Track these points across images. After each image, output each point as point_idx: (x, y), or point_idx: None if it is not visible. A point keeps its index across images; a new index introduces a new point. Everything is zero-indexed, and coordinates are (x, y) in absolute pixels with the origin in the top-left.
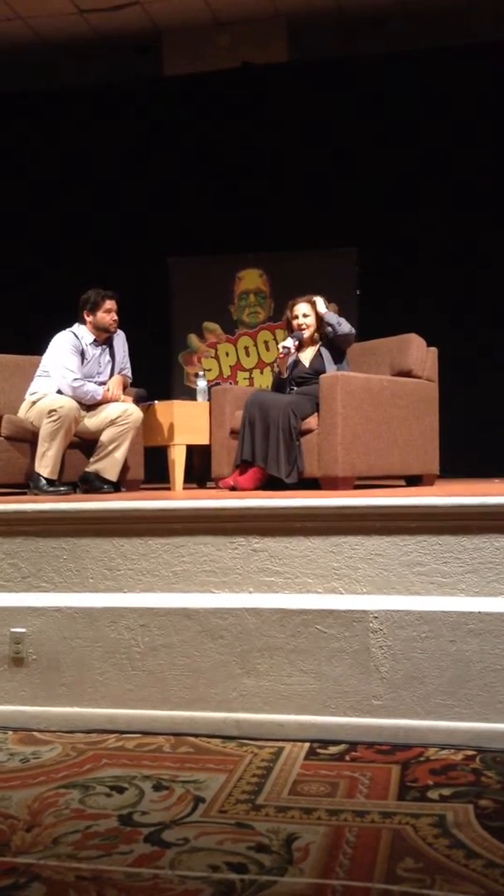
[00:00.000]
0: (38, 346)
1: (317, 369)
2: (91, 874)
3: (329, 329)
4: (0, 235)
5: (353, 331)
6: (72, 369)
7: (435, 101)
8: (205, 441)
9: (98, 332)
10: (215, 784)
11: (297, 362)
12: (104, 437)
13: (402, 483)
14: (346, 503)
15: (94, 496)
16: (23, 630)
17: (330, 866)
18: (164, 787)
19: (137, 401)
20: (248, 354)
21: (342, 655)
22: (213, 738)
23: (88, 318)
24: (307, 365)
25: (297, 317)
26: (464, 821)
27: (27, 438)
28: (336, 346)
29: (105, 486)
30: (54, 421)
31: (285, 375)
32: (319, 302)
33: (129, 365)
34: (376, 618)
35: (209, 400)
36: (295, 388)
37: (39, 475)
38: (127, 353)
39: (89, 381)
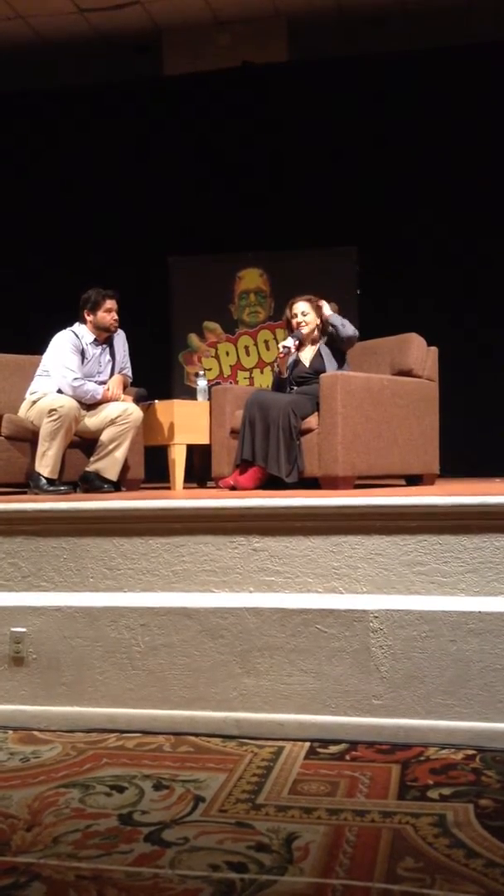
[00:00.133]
0: (38, 346)
1: (317, 369)
2: (91, 873)
3: (331, 329)
4: (0, 235)
5: (357, 333)
6: (72, 369)
7: (435, 101)
8: (205, 441)
9: (98, 332)
10: (215, 783)
11: (297, 362)
12: (104, 436)
13: (403, 483)
14: (347, 503)
15: (95, 496)
16: (23, 629)
17: (330, 866)
18: (164, 786)
19: (137, 400)
20: (248, 354)
21: (342, 655)
22: (214, 738)
23: (89, 318)
24: (307, 365)
25: (295, 315)
26: (464, 820)
27: (27, 438)
28: (337, 347)
29: (105, 486)
30: (54, 420)
31: (285, 375)
32: (326, 307)
33: (129, 364)
34: (376, 617)
35: (209, 399)
36: (295, 388)
37: (40, 474)
38: (127, 352)
39: (89, 381)
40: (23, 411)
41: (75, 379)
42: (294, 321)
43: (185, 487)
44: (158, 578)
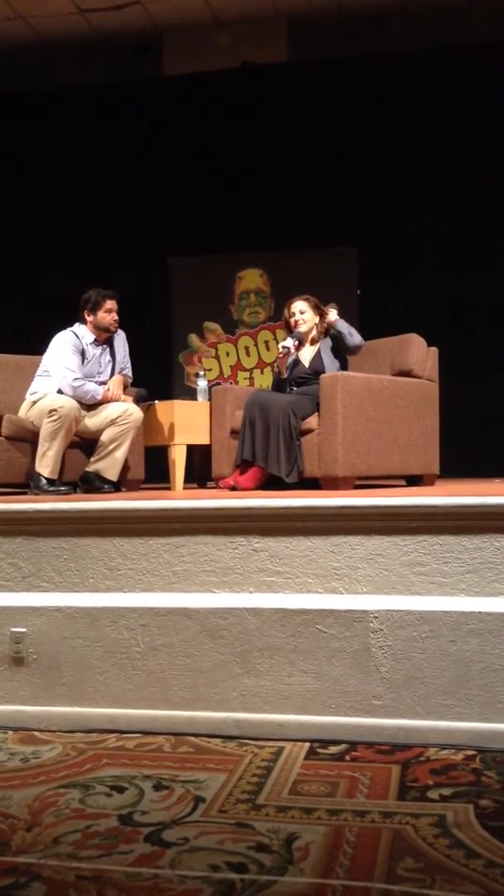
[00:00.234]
0: (38, 346)
1: (316, 369)
2: (91, 874)
3: (336, 334)
4: (0, 235)
5: (363, 343)
6: (72, 369)
7: (435, 101)
8: (205, 441)
9: (98, 332)
10: (215, 784)
11: (297, 362)
12: (105, 436)
13: (403, 483)
14: (347, 503)
15: (95, 496)
16: (23, 630)
17: (330, 866)
18: (164, 786)
19: (138, 400)
20: (248, 354)
21: (342, 655)
22: (214, 738)
23: (89, 318)
24: (307, 365)
25: (293, 315)
26: (464, 821)
27: (28, 438)
28: (340, 353)
29: (105, 486)
30: (55, 421)
31: (285, 375)
32: (332, 312)
33: (129, 365)
34: (377, 618)
35: (209, 400)
36: (294, 389)
37: (40, 475)
38: (127, 352)
39: (90, 381)
40: (23, 411)
41: (75, 379)
42: (292, 320)
43: (185, 488)
44: (158, 579)
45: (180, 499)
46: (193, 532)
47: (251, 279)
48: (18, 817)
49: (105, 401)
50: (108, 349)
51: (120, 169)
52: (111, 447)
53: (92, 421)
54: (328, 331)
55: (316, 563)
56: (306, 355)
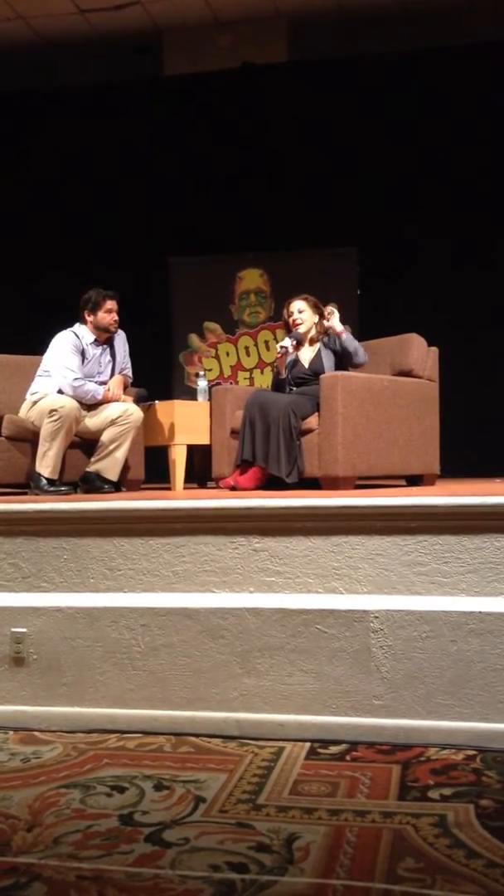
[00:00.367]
0: (38, 346)
1: (316, 370)
2: (92, 874)
3: (339, 348)
4: (0, 235)
5: (367, 361)
6: (72, 369)
7: (435, 101)
8: (205, 441)
9: (99, 332)
10: (216, 784)
11: (297, 362)
12: (105, 436)
13: (403, 483)
14: (347, 503)
15: (95, 496)
16: (23, 630)
17: (331, 866)
18: (164, 786)
19: (138, 401)
20: (248, 354)
21: (343, 655)
22: (214, 738)
23: (89, 318)
24: (306, 366)
25: (292, 314)
26: (464, 821)
27: (28, 438)
28: (342, 362)
29: (106, 486)
30: (55, 421)
31: (283, 375)
32: (338, 323)
33: (129, 365)
34: (377, 618)
35: (210, 400)
36: (294, 389)
37: (40, 475)
38: (128, 352)
39: (90, 381)
40: (23, 412)
41: (76, 379)
42: (291, 320)
43: (185, 488)
44: (159, 579)
45: (180, 499)
46: (194, 532)
47: (251, 279)
48: (19, 817)
49: (105, 401)
50: (108, 349)
51: (120, 169)
52: (111, 447)
53: (92, 421)
54: (327, 331)
55: (316, 563)
56: (306, 355)
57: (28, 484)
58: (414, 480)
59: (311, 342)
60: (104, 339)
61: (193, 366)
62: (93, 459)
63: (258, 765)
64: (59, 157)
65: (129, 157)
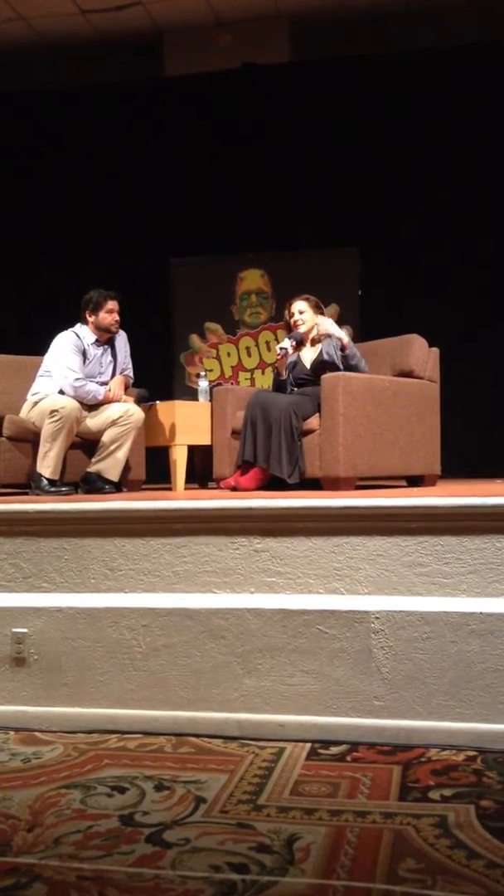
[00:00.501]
0: (39, 347)
1: (317, 371)
2: (92, 874)
3: (340, 347)
4: (1, 235)
5: (367, 369)
6: (74, 369)
7: (435, 101)
8: (206, 441)
9: (100, 333)
10: (217, 784)
11: (298, 363)
12: (106, 437)
13: (404, 483)
14: (348, 504)
15: (96, 496)
16: (24, 630)
17: (331, 867)
18: (165, 787)
19: (139, 401)
20: (249, 355)
21: (343, 656)
22: (215, 739)
23: (90, 319)
24: (308, 366)
25: (293, 315)
26: (465, 821)
27: (29, 439)
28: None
29: (106, 487)
30: (56, 421)
31: (284, 376)
32: (345, 335)
33: (130, 365)
34: (378, 618)
35: (210, 400)
36: (296, 389)
37: (41, 475)
38: (129, 353)
39: (91, 382)
40: (24, 412)
41: (77, 379)
42: (292, 321)
43: (186, 488)
44: (160, 579)
45: (181, 499)
46: (195, 532)
47: (252, 280)
48: (19, 818)
49: (106, 401)
50: (109, 350)
51: (121, 169)
52: (112, 448)
53: (93, 421)
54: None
55: (317, 564)
56: (307, 356)
57: (29, 484)
58: (415, 481)
59: (313, 343)
60: (105, 339)
61: (194, 366)
62: (94, 460)
63: (259, 765)
64: (60, 157)
65: (130, 157)
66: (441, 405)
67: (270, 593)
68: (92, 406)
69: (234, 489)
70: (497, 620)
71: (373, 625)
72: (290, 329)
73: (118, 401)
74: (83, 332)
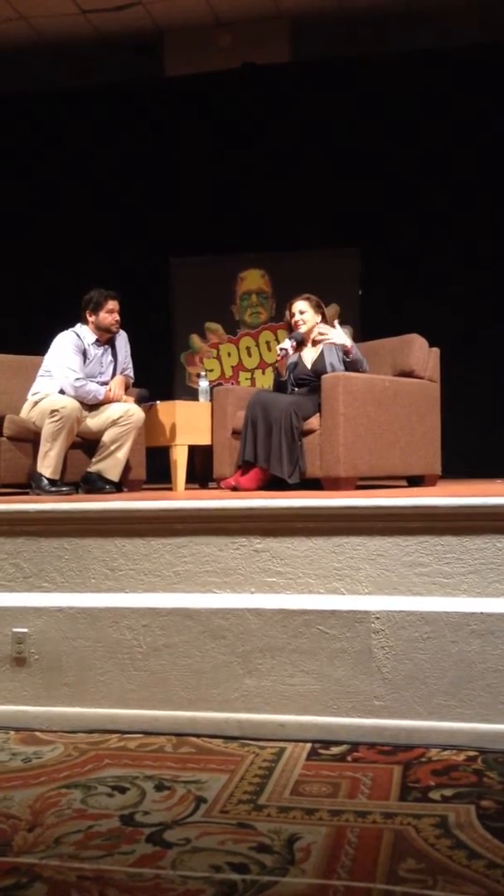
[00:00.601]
0: (40, 346)
1: (318, 371)
2: (93, 874)
3: (343, 352)
4: (1, 235)
5: (367, 369)
6: (74, 369)
7: (435, 101)
8: (206, 441)
9: (100, 333)
10: (217, 784)
11: (299, 363)
12: (106, 437)
13: (404, 483)
14: (348, 504)
15: (96, 496)
16: (25, 630)
17: (332, 867)
18: (165, 787)
19: (139, 401)
20: (249, 355)
21: (344, 656)
22: (215, 739)
23: (91, 318)
24: (309, 366)
25: (294, 315)
26: (465, 821)
27: (29, 438)
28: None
29: (107, 487)
30: (56, 421)
31: (284, 377)
32: (349, 340)
33: (131, 365)
34: (378, 618)
35: (211, 400)
36: (297, 389)
37: (41, 475)
38: (129, 353)
39: (91, 381)
40: (25, 412)
41: (77, 379)
42: (293, 321)
43: (186, 488)
44: (160, 579)
45: (182, 499)
46: (195, 532)
47: (252, 279)
48: (20, 817)
49: (107, 401)
50: (109, 349)
51: (121, 169)
52: (113, 447)
53: (93, 421)
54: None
55: (318, 564)
56: (308, 356)
57: (29, 484)
58: (415, 481)
59: (314, 343)
60: (106, 339)
61: (195, 366)
62: (94, 460)
63: (259, 765)
64: (60, 157)
65: (130, 157)
66: (441, 405)
67: (271, 593)
68: (92, 406)
69: (234, 489)
70: (498, 620)
71: (373, 625)
72: (291, 329)
73: (118, 401)
74: (83, 332)
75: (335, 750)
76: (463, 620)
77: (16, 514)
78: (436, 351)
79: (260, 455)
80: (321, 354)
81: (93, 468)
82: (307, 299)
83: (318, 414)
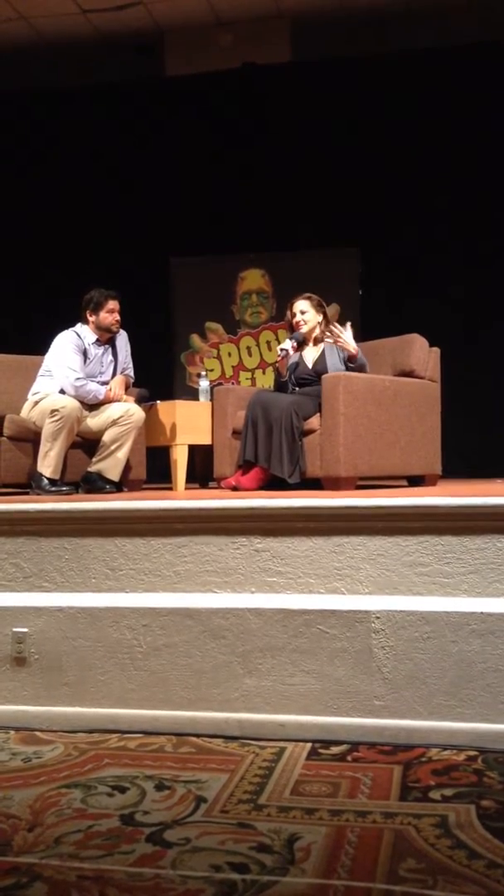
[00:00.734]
0: (40, 346)
1: (318, 371)
2: (93, 874)
3: (348, 358)
4: (1, 235)
5: (369, 369)
6: (74, 369)
7: (435, 101)
8: (207, 441)
9: (100, 332)
10: (217, 784)
11: (300, 363)
12: (106, 436)
13: (405, 483)
14: (349, 503)
15: (97, 496)
16: (25, 630)
17: (332, 866)
18: (165, 786)
19: (139, 401)
20: (250, 354)
21: (344, 656)
22: (215, 738)
23: (91, 318)
24: (310, 366)
25: (295, 315)
26: (466, 821)
27: (30, 438)
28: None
29: (107, 486)
30: (56, 421)
31: (285, 377)
32: (351, 342)
33: (131, 365)
34: (378, 618)
35: (211, 400)
36: (297, 389)
37: (42, 475)
38: (129, 353)
39: (92, 381)
40: (25, 412)
41: (77, 379)
42: (294, 321)
43: (186, 488)
44: (160, 579)
45: (182, 499)
46: (195, 532)
47: (253, 279)
48: (20, 817)
49: (107, 401)
50: (110, 349)
51: (121, 169)
52: (113, 447)
53: (94, 421)
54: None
55: (318, 564)
56: (309, 356)
57: (30, 484)
58: (415, 481)
59: (315, 342)
60: (106, 339)
61: (195, 366)
62: (94, 459)
63: (259, 765)
64: (60, 156)
65: (130, 157)
66: (441, 405)
67: (271, 593)
68: (92, 406)
69: (234, 489)
70: (498, 620)
71: (373, 624)
72: (291, 329)
73: (119, 400)
74: (84, 332)
75: (335, 750)
76: (463, 620)
77: (16, 513)
78: (436, 351)
79: (260, 455)
80: (322, 354)
81: (93, 468)
82: (308, 299)
83: (318, 414)
